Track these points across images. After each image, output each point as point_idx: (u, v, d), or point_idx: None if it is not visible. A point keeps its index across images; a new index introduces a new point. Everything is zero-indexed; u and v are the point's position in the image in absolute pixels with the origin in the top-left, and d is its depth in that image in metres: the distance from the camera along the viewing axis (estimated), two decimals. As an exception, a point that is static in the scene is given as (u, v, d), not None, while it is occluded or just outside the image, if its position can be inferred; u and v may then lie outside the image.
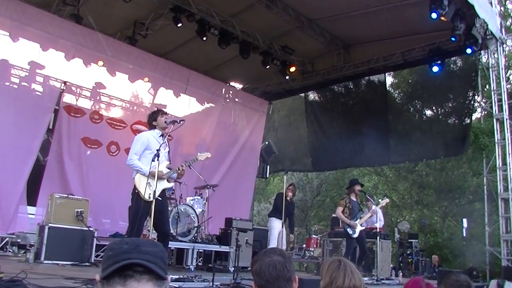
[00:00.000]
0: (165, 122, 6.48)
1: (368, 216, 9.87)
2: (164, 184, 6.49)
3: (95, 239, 8.59)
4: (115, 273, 1.31)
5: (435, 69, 12.45)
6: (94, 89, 12.08)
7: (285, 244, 10.01)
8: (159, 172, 6.26)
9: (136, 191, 6.11)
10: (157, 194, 6.17)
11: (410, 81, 18.08)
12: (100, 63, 11.53)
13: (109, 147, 11.90)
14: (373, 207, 10.60)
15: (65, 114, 11.22)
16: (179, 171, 6.57)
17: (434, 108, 17.16)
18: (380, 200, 10.43)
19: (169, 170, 6.52)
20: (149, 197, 5.92)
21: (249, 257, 9.81)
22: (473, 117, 14.01)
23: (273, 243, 9.23)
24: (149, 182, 6.01)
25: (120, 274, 1.31)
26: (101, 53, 11.49)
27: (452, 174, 21.57)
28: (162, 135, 6.47)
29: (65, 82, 11.42)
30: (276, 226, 10.06)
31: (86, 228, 8.46)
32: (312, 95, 16.63)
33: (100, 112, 12.14)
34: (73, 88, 11.71)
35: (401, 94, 18.04)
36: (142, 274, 1.32)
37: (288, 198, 10.48)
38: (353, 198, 9.80)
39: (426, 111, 16.83)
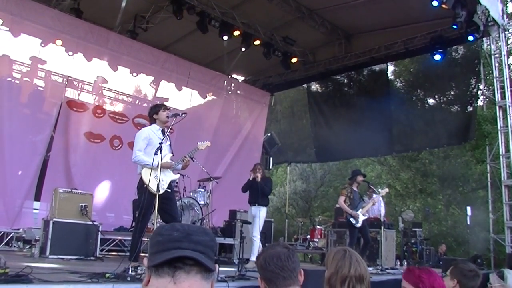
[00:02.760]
0: (167, 116, 6.45)
1: (370, 205, 9.84)
2: (171, 176, 6.51)
3: (99, 233, 8.57)
4: (165, 262, 1.29)
5: (437, 57, 12.39)
6: (96, 84, 12.07)
7: (257, 230, 9.02)
8: (167, 163, 6.30)
9: (145, 185, 6.09)
10: (165, 186, 6.24)
11: (412, 70, 18.01)
12: (102, 57, 11.52)
13: (112, 141, 11.91)
14: (374, 195, 10.59)
15: (68, 109, 11.23)
16: (184, 162, 6.58)
17: (436, 96, 17.10)
18: (380, 189, 10.40)
19: (173, 161, 6.52)
20: (158, 190, 5.92)
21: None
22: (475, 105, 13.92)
23: (255, 232, 8.98)
24: (156, 176, 6.01)
25: (169, 264, 1.29)
26: (103, 47, 11.47)
27: (456, 162, 21.47)
28: (162, 130, 6.45)
29: (67, 77, 11.41)
30: (251, 212, 9.28)
31: (91, 223, 8.45)
32: (314, 86, 16.61)
33: (103, 107, 12.14)
34: (75, 83, 11.72)
35: (403, 83, 18.00)
36: (192, 266, 1.30)
37: (251, 178, 9.35)
38: (355, 188, 9.78)
39: (428, 100, 16.79)
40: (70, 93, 11.52)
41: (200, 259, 1.30)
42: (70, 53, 11.08)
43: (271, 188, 9.78)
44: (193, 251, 1.30)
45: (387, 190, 10.52)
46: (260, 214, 9.06)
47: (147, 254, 1.38)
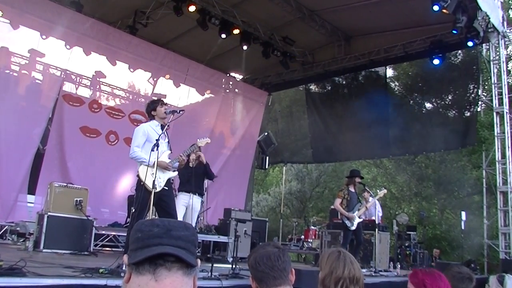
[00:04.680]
0: (165, 112, 6.44)
1: (363, 210, 9.84)
2: (169, 174, 6.48)
3: (94, 228, 8.60)
4: (145, 259, 1.28)
5: (436, 61, 12.45)
6: (94, 78, 12.06)
7: (194, 219, 8.26)
8: (163, 163, 6.29)
9: (142, 183, 6.09)
10: (162, 184, 6.23)
11: (410, 73, 18.03)
12: (100, 51, 11.52)
13: (108, 136, 11.89)
14: (370, 199, 10.60)
15: (64, 103, 11.20)
16: (180, 160, 6.59)
17: (434, 100, 17.16)
18: (378, 191, 10.41)
19: (170, 160, 6.52)
20: (154, 187, 5.91)
21: (247, 248, 9.85)
22: (474, 110, 13.97)
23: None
24: (153, 173, 6.00)
25: (150, 261, 1.28)
26: (102, 42, 11.47)
27: (452, 166, 21.54)
28: (161, 126, 6.44)
29: (65, 71, 11.40)
30: (181, 201, 8.29)
31: (85, 217, 8.46)
32: (313, 87, 16.64)
33: (100, 101, 12.12)
34: (73, 77, 11.69)
35: (401, 87, 18.02)
36: (173, 263, 1.29)
37: (190, 164, 8.42)
38: (352, 189, 9.78)
39: (426, 104, 16.81)
40: (68, 87, 11.49)
41: (181, 256, 1.29)
42: (69, 46, 11.08)
43: (209, 174, 8.84)
44: (174, 247, 1.30)
45: (385, 191, 10.53)
46: (194, 205, 8.32)
47: None
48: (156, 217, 6.51)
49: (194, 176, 8.25)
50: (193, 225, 8.08)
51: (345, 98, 15.53)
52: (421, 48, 12.92)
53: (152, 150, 5.91)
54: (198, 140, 7.22)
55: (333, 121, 15.31)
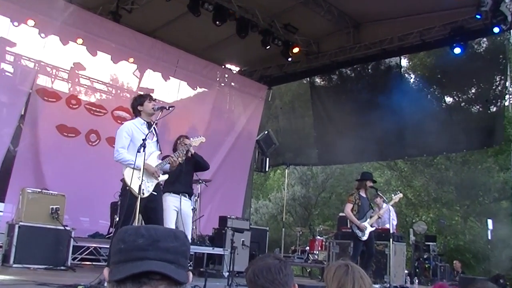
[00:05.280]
0: (153, 108, 6.42)
1: (376, 217, 9.80)
2: (159, 177, 6.46)
3: (72, 239, 8.52)
4: (128, 277, 1.25)
5: (457, 50, 12.33)
6: (72, 71, 11.99)
7: (188, 226, 7.87)
8: (151, 168, 6.27)
9: (127, 187, 6.05)
10: (151, 188, 6.21)
11: (427, 64, 18.01)
12: (79, 41, 11.45)
13: (89, 136, 11.84)
14: (384, 205, 10.55)
15: (38, 98, 11.11)
16: (171, 162, 6.56)
17: (455, 94, 17.11)
18: (392, 195, 10.37)
19: (160, 162, 6.49)
20: (142, 193, 5.87)
21: (245, 261, 9.81)
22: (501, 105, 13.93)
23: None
24: (140, 176, 5.96)
25: (133, 279, 1.25)
26: (81, 30, 11.40)
27: (476, 168, 21.53)
28: (148, 124, 6.40)
29: (39, 62, 11.33)
30: (170, 204, 7.71)
31: (62, 227, 8.40)
32: (318, 80, 16.60)
33: (78, 97, 12.06)
34: (48, 69, 11.62)
35: (418, 79, 17.99)
36: (160, 281, 1.27)
37: (179, 159, 7.25)
38: (363, 194, 9.75)
39: (446, 98, 16.80)
40: (42, 80, 11.41)
41: (169, 273, 1.26)
42: (43, 35, 11.00)
43: (201, 164, 8.26)
44: (161, 262, 1.27)
45: (401, 195, 10.46)
46: (185, 208, 7.82)
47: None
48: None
49: (182, 173, 7.78)
50: (188, 233, 7.84)
51: (354, 92, 15.48)
52: (440, 35, 12.82)
53: (138, 151, 5.88)
54: (191, 139, 7.19)
55: (340, 118, 15.25)
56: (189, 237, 8.16)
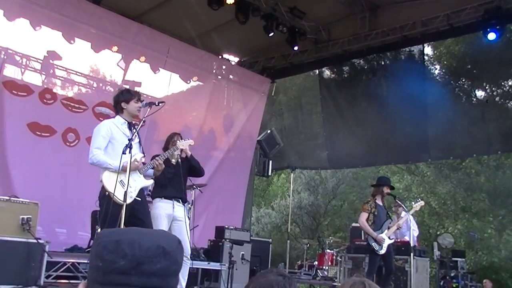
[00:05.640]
0: (138, 110, 6.45)
1: (395, 228, 9.76)
2: (141, 182, 6.49)
3: (45, 254, 8.46)
4: None
5: (492, 36, 12.19)
6: (46, 60, 11.87)
7: (185, 237, 7.61)
8: (136, 163, 6.30)
9: (106, 193, 6.03)
10: (134, 194, 6.24)
11: (456, 52, 17.97)
12: (54, 25, 11.40)
13: (66, 136, 11.76)
14: (403, 214, 10.51)
15: (6, 92, 11.01)
16: (156, 166, 6.55)
17: (488, 87, 17.06)
18: (413, 203, 10.33)
19: (143, 165, 6.49)
20: (123, 199, 5.84)
21: (245, 277, 9.82)
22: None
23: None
24: (121, 181, 5.95)
25: None
26: (55, 13, 11.34)
27: (512, 173, 21.53)
28: (129, 124, 6.40)
29: (6, 49, 11.24)
30: (162, 211, 7.68)
31: (34, 240, 8.33)
32: (329, 72, 16.61)
33: (54, 90, 11.97)
34: (17, 58, 11.49)
35: (444, 70, 17.96)
36: None
37: (172, 161, 7.68)
38: (379, 201, 9.73)
39: (476, 92, 16.75)
40: (10, 71, 11.28)
41: None
42: (10, 18, 10.90)
43: (196, 168, 8.19)
44: None
45: (422, 203, 10.46)
46: (178, 214, 7.78)
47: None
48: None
49: (175, 176, 7.72)
50: (186, 244, 7.56)
51: (370, 86, 15.47)
52: (472, 19, 12.68)
53: (124, 152, 5.90)
54: (178, 142, 7.21)
55: (353, 115, 15.29)
56: (189, 248, 7.88)
